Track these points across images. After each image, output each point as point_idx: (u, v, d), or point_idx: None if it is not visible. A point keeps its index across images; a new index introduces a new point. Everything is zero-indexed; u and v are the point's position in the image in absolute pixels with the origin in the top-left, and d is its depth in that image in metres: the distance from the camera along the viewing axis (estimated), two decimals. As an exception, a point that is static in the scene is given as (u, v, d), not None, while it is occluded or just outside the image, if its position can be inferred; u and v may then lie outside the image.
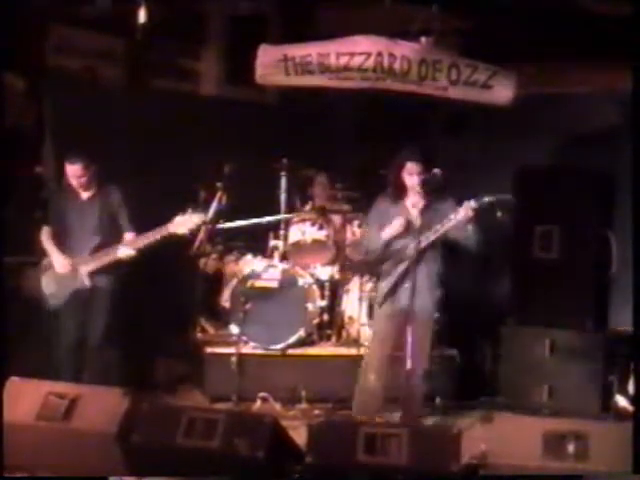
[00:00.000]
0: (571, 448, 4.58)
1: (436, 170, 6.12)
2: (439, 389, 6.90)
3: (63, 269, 6.23)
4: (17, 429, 4.98)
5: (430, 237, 5.54)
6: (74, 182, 6.25)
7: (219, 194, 7.57)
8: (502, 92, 7.11)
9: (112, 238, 6.27)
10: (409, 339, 5.43)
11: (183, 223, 6.09)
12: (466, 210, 5.44)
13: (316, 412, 6.46)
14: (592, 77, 7.52)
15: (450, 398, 7.00)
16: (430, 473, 4.62)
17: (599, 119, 7.52)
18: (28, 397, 5.12)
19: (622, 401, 6.56)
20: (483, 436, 4.95)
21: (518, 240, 7.06)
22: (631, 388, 6.48)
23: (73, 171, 6.19)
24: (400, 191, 5.62)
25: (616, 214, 6.83)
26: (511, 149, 7.78)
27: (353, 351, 6.69)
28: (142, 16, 7.63)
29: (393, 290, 5.64)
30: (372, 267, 5.71)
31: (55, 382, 5.39)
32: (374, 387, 5.74)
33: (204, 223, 7.31)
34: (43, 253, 6.36)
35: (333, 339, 7.07)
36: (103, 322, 6.27)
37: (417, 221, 5.59)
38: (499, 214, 7.35)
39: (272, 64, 7.25)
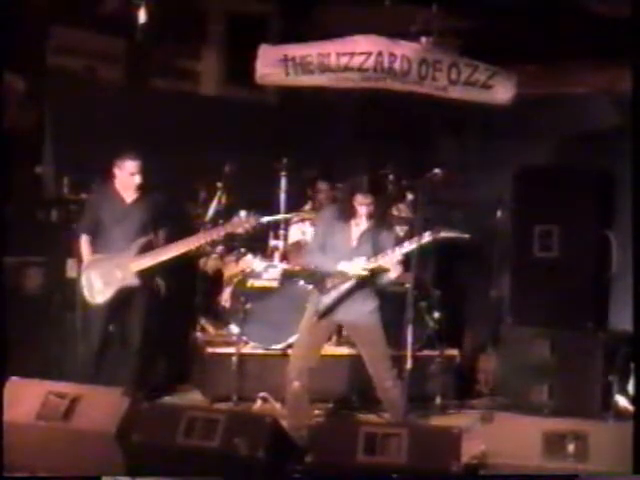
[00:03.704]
0: (571, 448, 4.58)
1: (436, 170, 6.13)
2: (439, 389, 6.91)
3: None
4: (17, 429, 4.98)
5: (370, 265, 5.66)
6: (130, 181, 6.30)
7: (219, 194, 7.59)
8: (502, 92, 7.13)
9: (155, 239, 6.42)
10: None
11: (239, 224, 6.24)
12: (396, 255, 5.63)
13: (316, 412, 6.45)
14: (592, 77, 7.53)
15: (450, 398, 7.01)
16: (430, 473, 4.62)
17: (599, 119, 7.52)
18: (28, 397, 5.12)
19: (622, 401, 6.55)
20: (483, 436, 4.95)
21: (518, 240, 7.05)
22: (631, 388, 6.48)
23: (134, 167, 6.27)
24: (349, 213, 5.76)
25: (616, 214, 6.82)
26: (511, 149, 7.77)
27: (353, 351, 6.68)
28: (142, 16, 7.64)
29: (334, 305, 5.76)
30: (317, 280, 5.83)
31: (55, 382, 5.39)
32: (300, 393, 5.82)
33: (205, 223, 7.39)
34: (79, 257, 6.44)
35: (333, 339, 7.06)
36: (142, 321, 6.40)
37: (354, 242, 5.76)
38: (499, 214, 7.41)
39: (272, 64, 7.26)
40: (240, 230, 6.28)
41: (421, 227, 5.74)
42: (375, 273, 5.72)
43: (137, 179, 6.30)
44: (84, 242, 6.40)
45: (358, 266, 5.65)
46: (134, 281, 6.27)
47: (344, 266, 5.68)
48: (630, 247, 5.56)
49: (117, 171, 6.33)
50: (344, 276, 5.69)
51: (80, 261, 6.43)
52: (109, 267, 6.25)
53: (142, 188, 6.36)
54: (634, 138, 5.28)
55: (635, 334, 5.22)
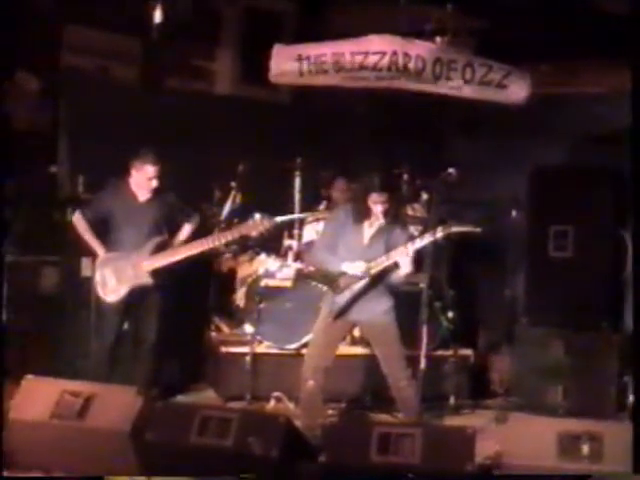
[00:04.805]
0: (586, 449, 4.57)
1: (451, 170, 6.12)
2: (453, 389, 6.89)
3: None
4: (32, 427, 5.00)
5: (384, 263, 5.66)
6: (146, 184, 6.30)
7: (233, 193, 7.60)
8: (517, 92, 7.10)
9: (170, 239, 6.42)
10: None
11: (254, 226, 6.24)
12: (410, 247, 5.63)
13: (330, 412, 6.45)
14: (607, 76, 7.49)
15: (464, 398, 6.99)
16: (444, 473, 4.61)
17: (614, 118, 7.47)
18: (43, 395, 5.14)
19: (637, 402, 6.53)
20: (497, 436, 4.94)
21: (533, 240, 7.04)
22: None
23: (153, 172, 6.27)
24: (364, 214, 5.75)
25: (631, 214, 6.79)
26: (526, 149, 7.75)
27: (367, 350, 6.68)
28: (157, 16, 7.65)
29: (349, 305, 5.76)
30: (330, 281, 5.81)
31: (70, 380, 5.40)
32: (314, 392, 5.83)
33: (219, 222, 7.41)
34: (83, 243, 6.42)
35: (347, 338, 7.06)
36: (156, 320, 6.41)
37: (366, 241, 5.76)
38: (514, 213, 7.39)
39: (286, 64, 7.26)
40: (254, 233, 6.28)
41: (435, 227, 5.73)
42: (385, 271, 5.71)
43: (154, 183, 6.31)
44: (77, 220, 6.36)
45: (360, 267, 5.65)
46: (147, 280, 6.28)
47: (347, 267, 5.68)
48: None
49: (134, 172, 6.33)
50: (349, 276, 5.69)
51: (85, 247, 6.40)
52: (122, 265, 6.26)
53: (156, 189, 6.37)
54: (633, 139, 5.24)
55: (635, 333, 5.20)
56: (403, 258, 5.61)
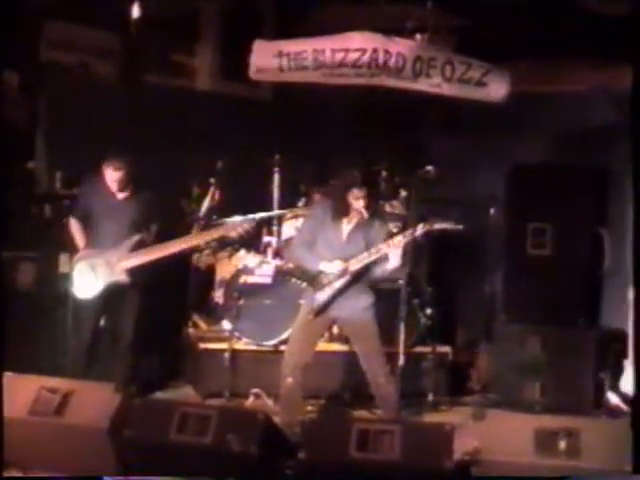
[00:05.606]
0: (563, 445, 4.60)
1: (429, 167, 6.14)
2: (431, 385, 6.91)
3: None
4: (9, 424, 4.97)
5: (364, 260, 5.69)
6: (114, 185, 6.31)
7: (212, 190, 7.58)
8: (496, 89, 7.12)
9: (147, 237, 6.40)
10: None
11: (233, 227, 6.26)
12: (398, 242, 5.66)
13: (309, 408, 6.46)
14: (587, 75, 7.54)
15: (442, 394, 7.01)
16: (422, 469, 4.64)
17: (593, 117, 7.53)
18: (21, 392, 5.11)
19: (613, 398, 6.57)
20: (475, 433, 4.96)
21: (511, 237, 7.07)
22: (622, 385, 6.50)
23: (115, 177, 6.27)
24: (344, 211, 5.76)
25: (609, 211, 6.84)
26: (505, 146, 7.78)
27: (346, 347, 6.69)
28: (136, 11, 7.62)
29: (329, 302, 5.77)
30: (310, 278, 5.83)
31: (48, 377, 5.38)
32: (293, 389, 5.85)
33: (198, 219, 7.40)
34: (72, 244, 6.41)
35: (326, 335, 7.07)
36: (133, 317, 6.40)
37: (345, 237, 5.77)
38: (492, 211, 7.42)
39: (267, 60, 7.25)
40: (233, 234, 6.30)
41: (415, 224, 5.74)
42: (366, 268, 5.72)
43: (115, 186, 6.30)
44: (73, 225, 6.38)
45: (337, 267, 5.66)
46: (124, 278, 6.26)
47: (324, 266, 5.69)
48: (623, 245, 5.57)
49: (105, 172, 6.34)
50: (327, 275, 5.70)
51: (73, 247, 6.41)
52: (99, 263, 6.24)
53: (133, 185, 6.34)
54: (633, 138, 5.27)
55: (635, 331, 5.23)
56: (393, 251, 5.62)
